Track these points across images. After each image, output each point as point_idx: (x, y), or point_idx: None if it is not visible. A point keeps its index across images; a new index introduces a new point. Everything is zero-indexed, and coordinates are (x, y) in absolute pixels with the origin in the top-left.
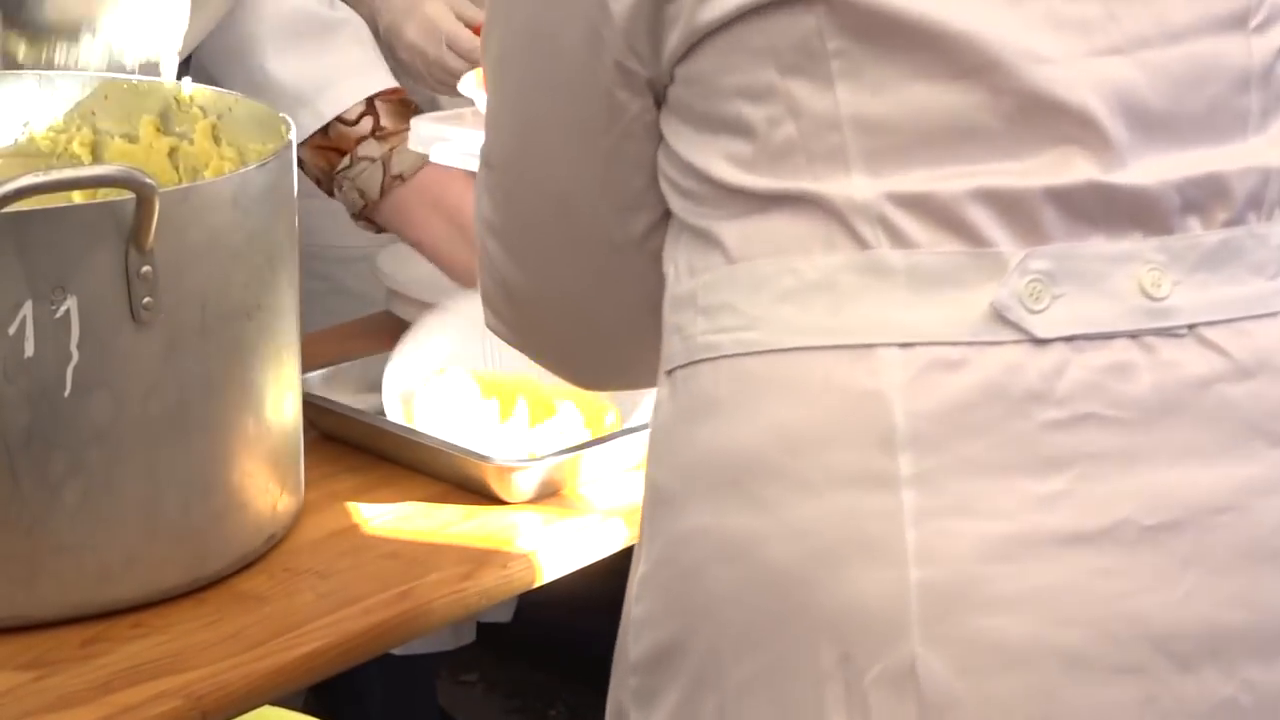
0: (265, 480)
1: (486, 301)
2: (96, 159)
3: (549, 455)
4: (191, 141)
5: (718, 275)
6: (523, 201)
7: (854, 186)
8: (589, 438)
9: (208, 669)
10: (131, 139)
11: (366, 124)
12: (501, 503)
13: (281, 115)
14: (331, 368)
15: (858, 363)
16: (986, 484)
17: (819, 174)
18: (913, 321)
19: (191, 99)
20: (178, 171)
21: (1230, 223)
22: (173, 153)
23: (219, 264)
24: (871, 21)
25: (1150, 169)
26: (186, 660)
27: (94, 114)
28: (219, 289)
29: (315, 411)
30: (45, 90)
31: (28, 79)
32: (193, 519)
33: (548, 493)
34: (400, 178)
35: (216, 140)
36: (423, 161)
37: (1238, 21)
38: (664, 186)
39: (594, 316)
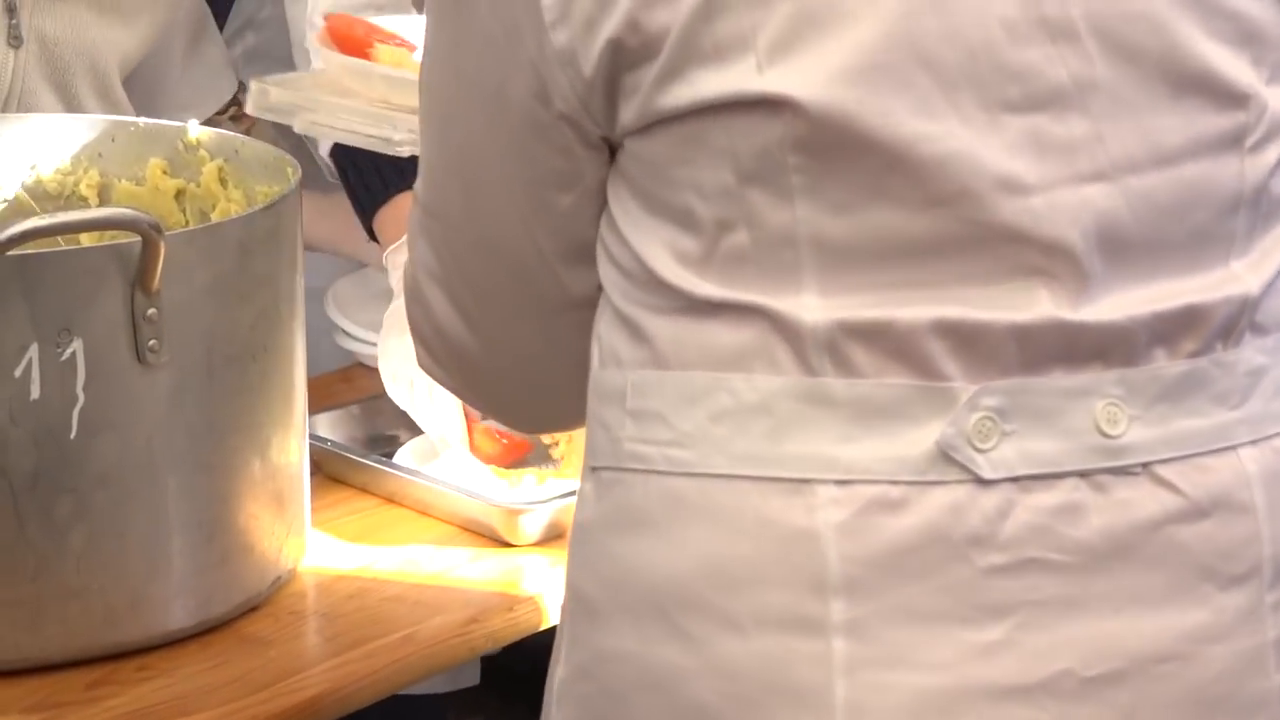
0: (271, 523)
1: (422, 344)
2: (104, 201)
3: (555, 497)
4: (199, 184)
5: (647, 378)
6: (470, 257)
7: (804, 306)
8: None
9: (213, 712)
10: (139, 181)
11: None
12: (507, 545)
13: (288, 158)
14: (338, 410)
15: (793, 498)
16: (922, 633)
17: (768, 288)
18: (852, 457)
19: (198, 141)
20: (185, 214)
21: (1196, 353)
22: (180, 195)
23: (225, 306)
24: (840, 138)
25: (1121, 303)
26: (192, 703)
27: (101, 156)
28: (225, 331)
29: (321, 454)
30: (52, 133)
31: (35, 121)
32: (198, 562)
33: (554, 535)
34: None
35: (224, 182)
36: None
37: (1233, 141)
38: (600, 250)
39: (541, 370)
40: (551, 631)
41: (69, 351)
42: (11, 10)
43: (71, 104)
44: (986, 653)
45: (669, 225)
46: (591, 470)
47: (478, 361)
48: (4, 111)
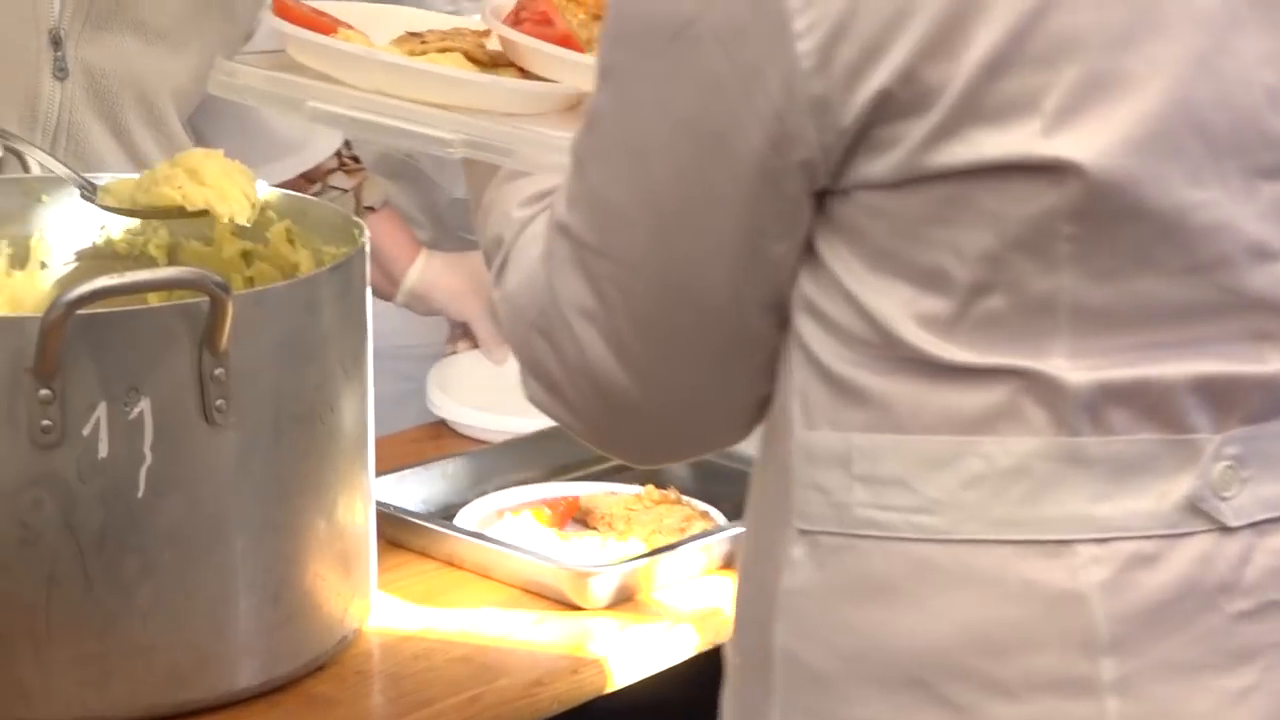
0: (336, 583)
1: (545, 381)
2: (172, 262)
3: (624, 560)
4: (267, 245)
5: (878, 442)
6: (647, 297)
7: (1058, 367)
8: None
9: None
10: (207, 242)
11: (334, 158)
12: (572, 609)
13: (355, 219)
14: (402, 471)
15: (1054, 559)
16: (1184, 685)
17: (1018, 351)
18: (1108, 515)
19: (267, 202)
20: (252, 274)
21: None
22: (247, 256)
23: (292, 367)
24: (1117, 206)
25: None
26: None
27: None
28: (292, 392)
29: (386, 516)
30: None
31: (103, 181)
32: (264, 621)
33: (623, 598)
34: (371, 209)
35: (291, 243)
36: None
37: None
38: (799, 303)
39: (701, 408)
40: (617, 695)
41: (137, 410)
42: (57, 42)
43: (121, 136)
44: (1240, 699)
45: (908, 285)
46: (801, 534)
47: (626, 400)
48: (54, 145)
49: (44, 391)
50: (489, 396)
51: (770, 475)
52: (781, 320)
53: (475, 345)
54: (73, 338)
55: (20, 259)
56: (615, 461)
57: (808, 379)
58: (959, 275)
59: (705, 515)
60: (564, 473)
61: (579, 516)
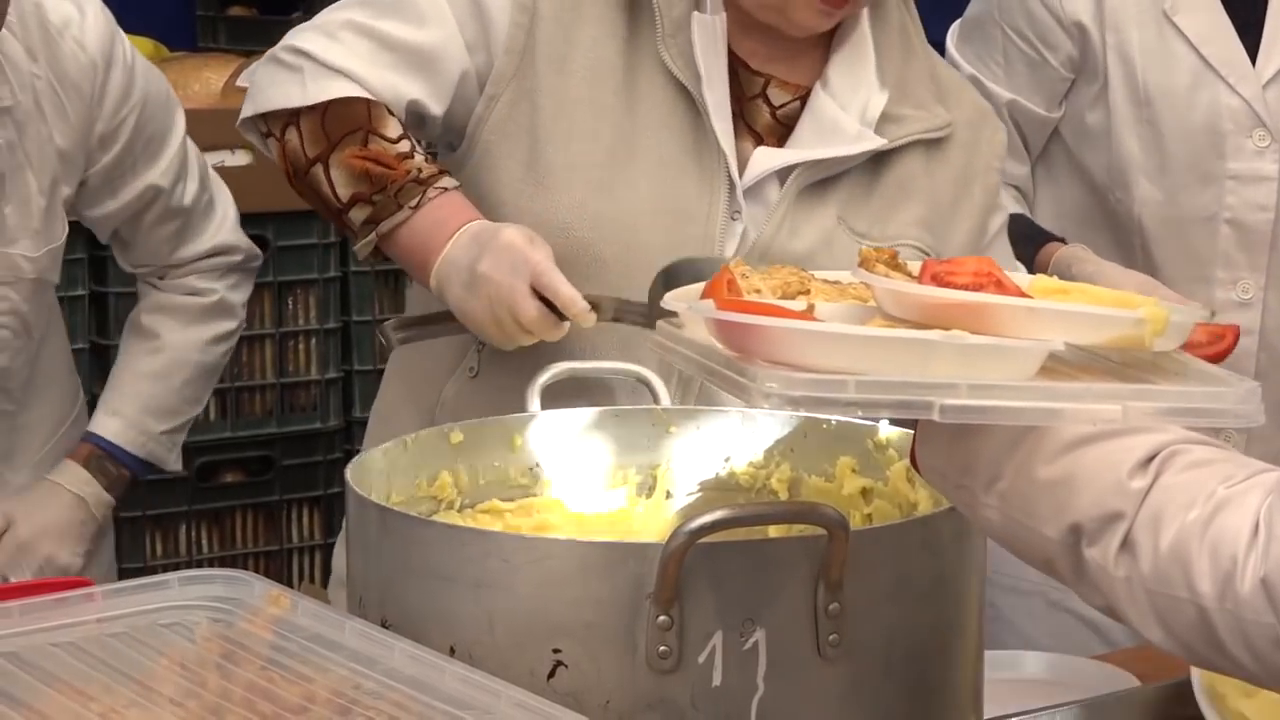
0: None
1: None
2: (793, 496)
3: None
4: (886, 483)
5: None
6: None
7: None
8: None
9: None
10: (828, 478)
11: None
12: None
13: None
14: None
15: None
16: None
17: None
18: None
19: (888, 441)
20: (870, 511)
21: None
22: (866, 493)
23: (906, 606)
24: None
25: None
26: None
27: (793, 452)
28: (905, 631)
29: None
30: (747, 427)
31: (732, 415)
32: None
33: None
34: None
35: (911, 482)
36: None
37: None
38: None
39: None
40: None
41: (752, 641)
42: None
43: None
44: None
45: None
46: None
47: None
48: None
49: (663, 618)
50: None
51: None
52: None
53: None
54: (693, 566)
55: (647, 487)
56: None
57: None
58: None
59: None
60: None
61: None
